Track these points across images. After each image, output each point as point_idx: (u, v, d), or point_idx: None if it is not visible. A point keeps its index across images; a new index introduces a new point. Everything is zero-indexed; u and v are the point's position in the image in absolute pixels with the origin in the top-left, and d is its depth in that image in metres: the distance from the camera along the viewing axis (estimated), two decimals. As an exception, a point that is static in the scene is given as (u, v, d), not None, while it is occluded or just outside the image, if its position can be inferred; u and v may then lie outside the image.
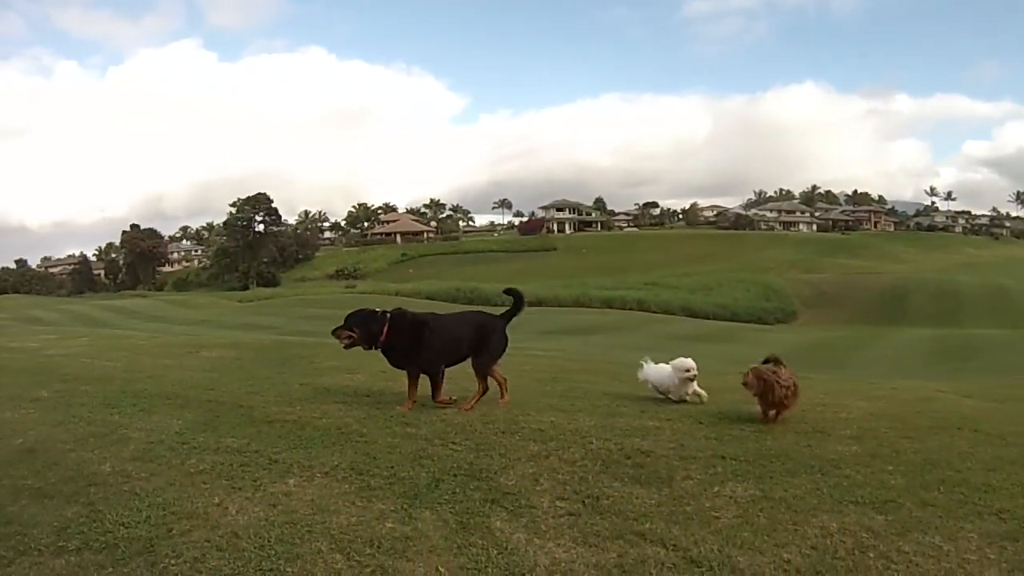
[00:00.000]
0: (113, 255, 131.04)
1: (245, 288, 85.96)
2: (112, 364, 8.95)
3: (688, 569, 3.25)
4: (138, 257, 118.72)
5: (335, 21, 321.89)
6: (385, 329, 6.32)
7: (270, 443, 4.99)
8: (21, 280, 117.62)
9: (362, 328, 6.35)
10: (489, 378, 6.55)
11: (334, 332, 6.53)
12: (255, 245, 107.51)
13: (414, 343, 6.36)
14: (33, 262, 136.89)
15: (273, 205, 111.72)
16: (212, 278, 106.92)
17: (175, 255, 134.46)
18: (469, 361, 6.58)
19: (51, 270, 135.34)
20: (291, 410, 5.94)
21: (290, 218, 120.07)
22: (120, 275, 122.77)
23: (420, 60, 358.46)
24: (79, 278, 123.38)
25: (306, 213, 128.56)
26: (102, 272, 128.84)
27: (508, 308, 6.86)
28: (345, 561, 3.28)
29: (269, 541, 3.46)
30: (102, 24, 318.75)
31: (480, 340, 6.58)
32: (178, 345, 11.60)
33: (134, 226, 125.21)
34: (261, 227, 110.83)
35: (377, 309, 6.59)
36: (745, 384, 5.59)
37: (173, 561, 3.30)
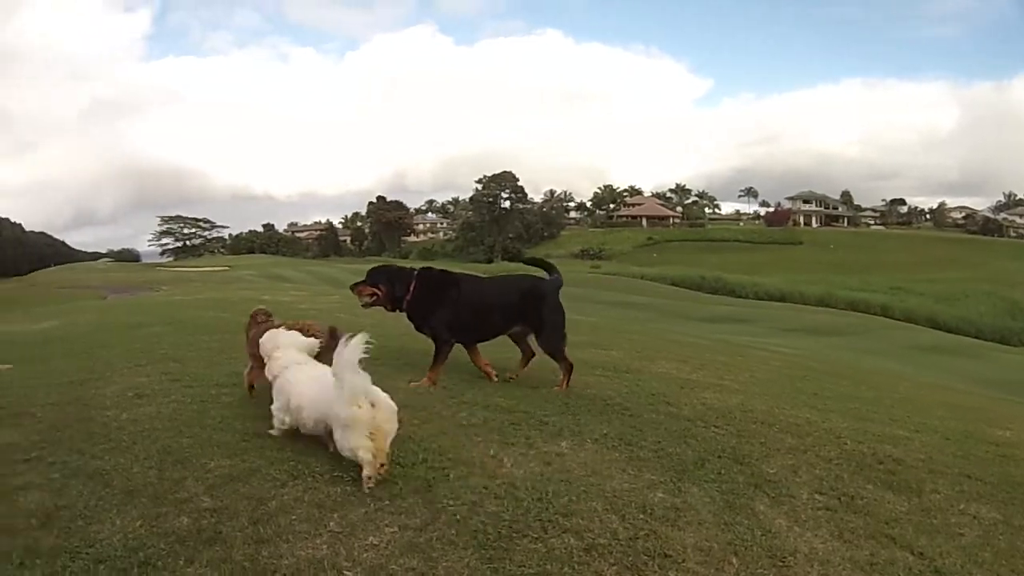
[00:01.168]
0: (359, 223, 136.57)
1: (490, 261, 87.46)
2: (366, 320, 9.62)
3: (933, 578, 3.25)
4: (384, 227, 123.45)
5: (570, 3, 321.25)
6: (412, 287, 5.92)
7: (538, 406, 5.21)
8: (268, 242, 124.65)
9: (388, 285, 5.95)
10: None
11: (353, 287, 6.15)
12: (501, 221, 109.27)
13: (434, 303, 5.92)
14: (280, 227, 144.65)
15: (519, 183, 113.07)
16: (457, 250, 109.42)
17: (420, 226, 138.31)
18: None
19: (297, 235, 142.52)
20: (554, 378, 6.09)
21: (535, 196, 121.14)
22: (365, 242, 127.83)
23: (658, 42, 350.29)
24: (325, 243, 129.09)
25: (551, 192, 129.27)
26: (348, 239, 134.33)
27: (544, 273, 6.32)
28: (620, 522, 3.44)
29: (547, 495, 3.66)
30: (335, 13, 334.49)
31: (529, 311, 5.99)
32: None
33: (380, 198, 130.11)
34: (507, 204, 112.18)
35: (405, 267, 6.22)
36: None
37: (451, 503, 3.53)
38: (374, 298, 5.97)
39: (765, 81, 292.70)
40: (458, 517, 3.40)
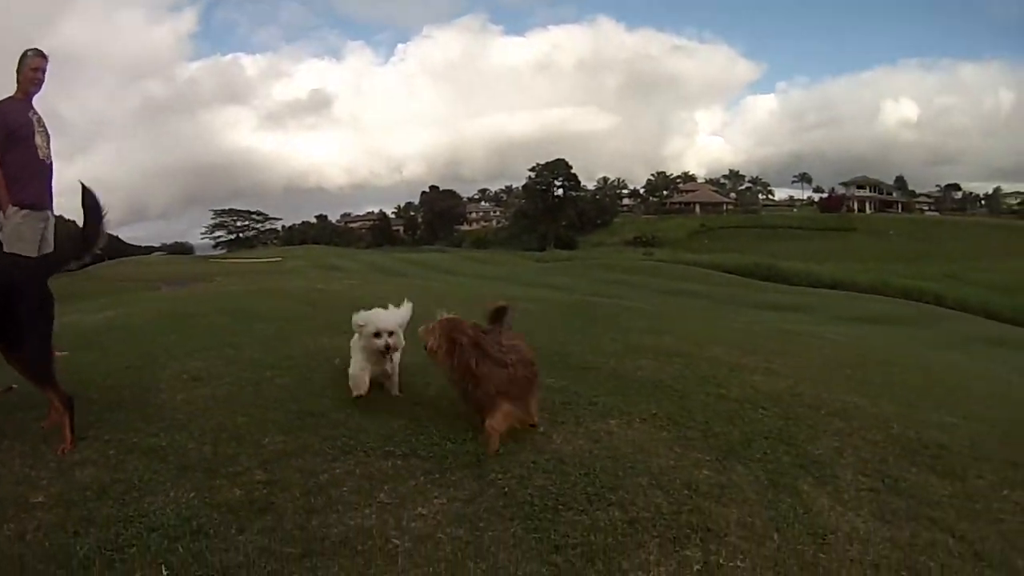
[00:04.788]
0: (412, 213, 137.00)
1: (542, 249, 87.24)
2: (419, 311, 9.82)
3: (972, 561, 3.30)
4: (437, 216, 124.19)
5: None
6: None
7: (589, 387, 5.31)
8: (321, 233, 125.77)
9: None
10: None
11: None
12: (554, 209, 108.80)
13: None
14: (333, 218, 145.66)
15: (572, 171, 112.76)
16: (510, 238, 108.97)
17: (473, 215, 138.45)
18: None
19: (350, 225, 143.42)
20: (605, 361, 6.21)
21: (588, 184, 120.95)
22: (418, 231, 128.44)
23: (711, 26, 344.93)
24: (378, 232, 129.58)
25: (605, 179, 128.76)
26: (401, 228, 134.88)
27: None
28: (664, 497, 3.54)
29: (594, 470, 3.77)
30: (383, 6, 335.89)
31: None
32: (485, 295, 12.36)
33: (433, 187, 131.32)
34: (560, 192, 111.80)
35: None
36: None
37: (499, 476, 3.66)
38: None
39: (819, 64, 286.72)
40: (506, 490, 3.53)
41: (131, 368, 5.85)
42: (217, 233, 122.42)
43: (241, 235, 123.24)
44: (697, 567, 3.00)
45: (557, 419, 4.56)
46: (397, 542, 3.03)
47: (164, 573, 2.86)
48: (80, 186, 4.40)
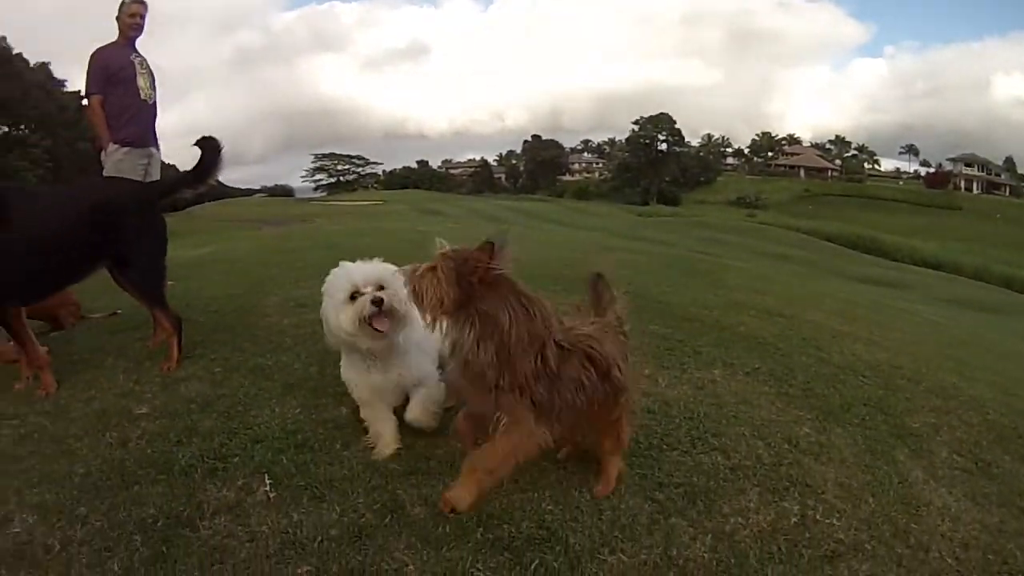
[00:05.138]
0: (514, 161, 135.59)
1: (645, 204, 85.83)
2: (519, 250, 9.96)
3: (1059, 554, 3.33)
4: (539, 165, 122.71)
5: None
6: None
7: (693, 337, 5.44)
8: (422, 178, 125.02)
9: None
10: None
11: None
12: (657, 163, 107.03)
13: None
14: (434, 164, 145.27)
15: (676, 126, 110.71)
16: (612, 191, 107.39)
17: (576, 166, 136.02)
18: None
19: (451, 171, 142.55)
20: (708, 313, 6.33)
21: (692, 140, 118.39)
22: (520, 180, 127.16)
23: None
24: (479, 179, 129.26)
25: (708, 137, 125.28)
26: (502, 176, 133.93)
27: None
28: (765, 448, 3.66)
29: (697, 415, 3.92)
30: None
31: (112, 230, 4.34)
32: (587, 243, 12.47)
33: (535, 136, 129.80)
34: (663, 146, 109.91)
35: None
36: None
37: None
38: None
39: (931, 29, 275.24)
40: (612, 426, 3.66)
41: (235, 295, 6.14)
42: (317, 176, 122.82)
43: (342, 179, 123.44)
44: (794, 519, 3.10)
45: (663, 364, 4.70)
46: None
47: (267, 482, 3.06)
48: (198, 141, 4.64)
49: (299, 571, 2.49)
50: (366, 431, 3.43)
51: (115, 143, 7.03)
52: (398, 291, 3.09)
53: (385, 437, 3.37)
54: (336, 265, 3.26)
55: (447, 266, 2.69)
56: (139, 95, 7.15)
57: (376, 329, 3.16)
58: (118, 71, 7.00)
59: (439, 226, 15.21)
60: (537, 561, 2.62)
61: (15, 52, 51.04)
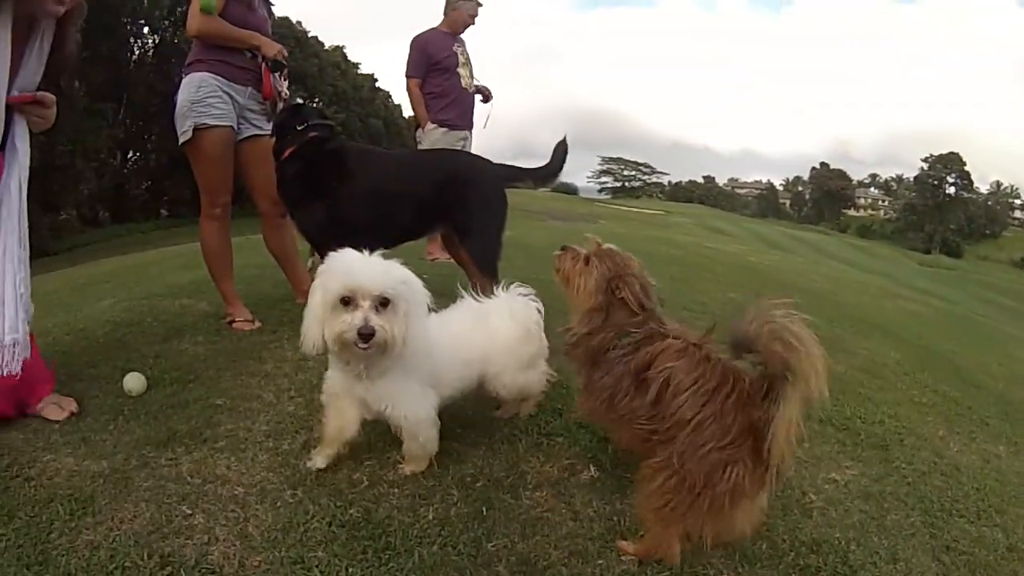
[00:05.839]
0: (799, 188, 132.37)
1: (927, 252, 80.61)
2: (817, 284, 9.77)
3: None
4: (824, 195, 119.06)
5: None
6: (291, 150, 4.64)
7: (980, 405, 5.14)
8: (707, 194, 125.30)
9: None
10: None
11: None
12: (943, 208, 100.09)
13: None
14: (720, 181, 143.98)
15: (966, 168, 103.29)
16: (896, 232, 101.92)
17: (861, 200, 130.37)
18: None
19: (737, 191, 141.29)
20: (994, 383, 5.98)
21: (981, 186, 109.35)
22: (804, 208, 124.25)
23: None
24: (763, 203, 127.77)
25: (997, 184, 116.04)
26: (787, 202, 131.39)
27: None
28: (1043, 536, 3.47)
29: (983, 487, 3.71)
30: None
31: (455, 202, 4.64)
32: (874, 286, 12.06)
33: (823, 164, 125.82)
34: (951, 189, 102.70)
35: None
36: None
37: (903, 465, 3.71)
38: None
39: None
40: (908, 480, 3.58)
41: (542, 279, 6.38)
42: (603, 179, 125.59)
43: (626, 184, 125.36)
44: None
45: (953, 428, 4.50)
46: (813, 498, 3.20)
47: (592, 470, 3.14)
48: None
49: (622, 558, 2.57)
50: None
51: (433, 123, 7.56)
52: (402, 306, 2.61)
53: (326, 446, 2.99)
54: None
55: (601, 268, 2.80)
56: (460, 83, 7.64)
57: (360, 347, 2.56)
58: (442, 59, 7.50)
59: (725, 245, 15.11)
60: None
61: (311, 35, 55.00)
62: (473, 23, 7.70)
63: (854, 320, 6.68)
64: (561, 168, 4.86)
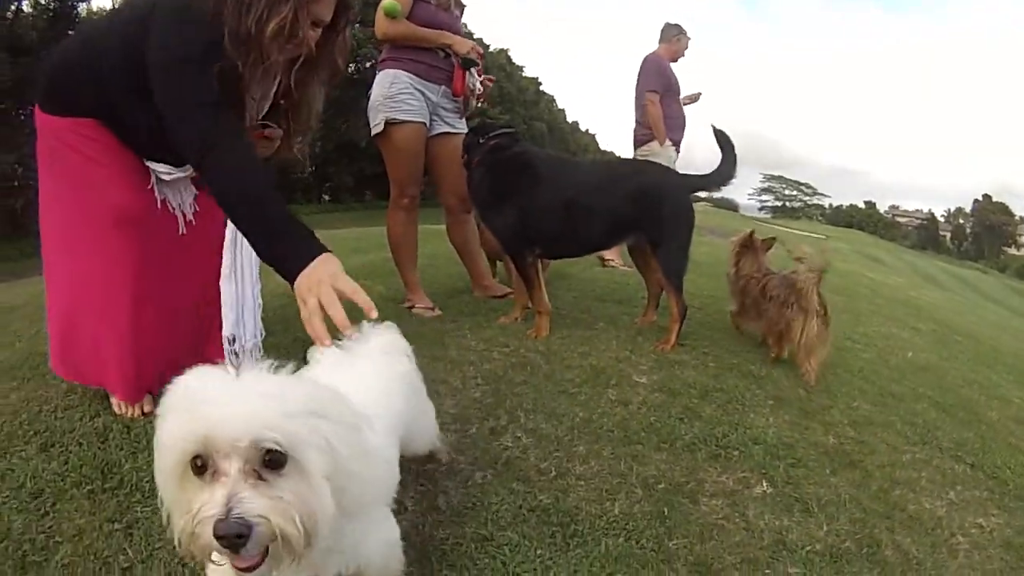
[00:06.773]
0: (961, 221, 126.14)
1: None
2: (975, 327, 9.47)
3: None
4: (986, 230, 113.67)
5: None
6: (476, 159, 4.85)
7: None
8: (867, 220, 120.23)
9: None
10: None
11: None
12: None
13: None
14: (881, 207, 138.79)
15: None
16: None
17: (1022, 238, 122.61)
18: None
19: (897, 219, 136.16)
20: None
21: None
22: (964, 243, 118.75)
23: None
24: (923, 234, 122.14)
25: None
26: (947, 235, 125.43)
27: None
28: None
29: None
30: None
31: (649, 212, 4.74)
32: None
33: (986, 196, 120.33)
34: None
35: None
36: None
37: None
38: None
39: None
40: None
41: (718, 297, 6.36)
42: (764, 197, 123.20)
43: (787, 203, 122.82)
44: None
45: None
46: (960, 539, 3.15)
47: (764, 485, 3.20)
48: (713, 129, 4.96)
49: (789, 571, 2.65)
50: (851, 465, 3.55)
51: (669, 141, 8.03)
52: (313, 459, 1.34)
53: None
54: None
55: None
56: (682, 108, 8.24)
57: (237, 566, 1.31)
58: (673, 84, 8.05)
59: (885, 277, 14.79)
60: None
61: (475, 36, 55.74)
62: (683, 55, 8.20)
63: (1011, 368, 6.49)
64: (735, 165, 4.90)
